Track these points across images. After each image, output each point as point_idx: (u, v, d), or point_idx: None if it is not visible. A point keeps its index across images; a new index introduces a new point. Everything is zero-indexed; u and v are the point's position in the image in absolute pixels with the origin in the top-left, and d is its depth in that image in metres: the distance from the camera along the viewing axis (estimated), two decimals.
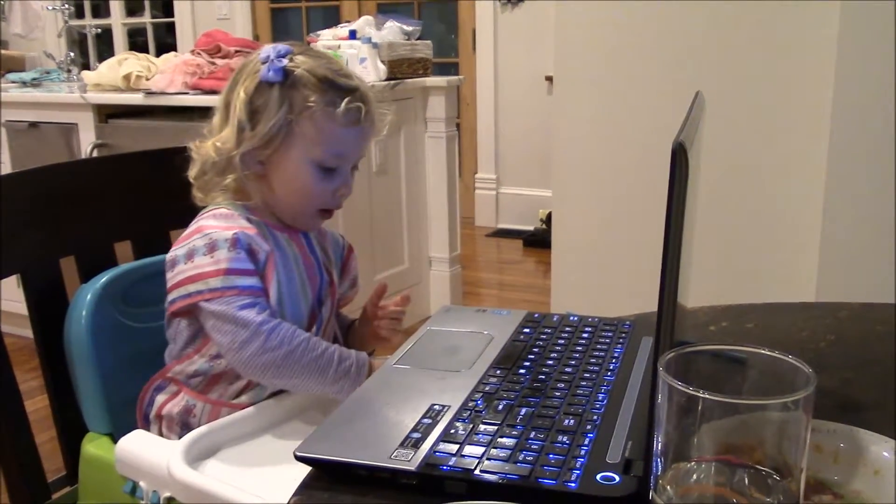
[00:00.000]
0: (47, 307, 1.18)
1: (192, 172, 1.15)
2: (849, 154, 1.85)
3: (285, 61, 1.10)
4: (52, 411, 1.21)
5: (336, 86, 1.11)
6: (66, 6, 3.94)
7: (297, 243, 1.17)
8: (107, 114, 2.85)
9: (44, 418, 1.24)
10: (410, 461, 0.65)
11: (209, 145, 1.13)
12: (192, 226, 1.11)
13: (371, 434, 0.72)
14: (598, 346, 0.89)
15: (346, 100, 1.09)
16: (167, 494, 0.99)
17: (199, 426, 1.05)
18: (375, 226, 2.94)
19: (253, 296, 1.06)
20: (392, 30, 3.04)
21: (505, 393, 0.77)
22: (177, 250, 1.09)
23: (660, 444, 0.49)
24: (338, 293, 1.24)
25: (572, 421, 0.71)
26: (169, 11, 5.42)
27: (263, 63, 1.10)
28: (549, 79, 4.23)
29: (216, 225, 1.09)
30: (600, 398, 0.76)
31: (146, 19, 5.54)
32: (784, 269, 2.01)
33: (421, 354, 0.90)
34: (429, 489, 0.64)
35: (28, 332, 1.21)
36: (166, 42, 5.45)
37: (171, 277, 1.09)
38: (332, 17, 5.09)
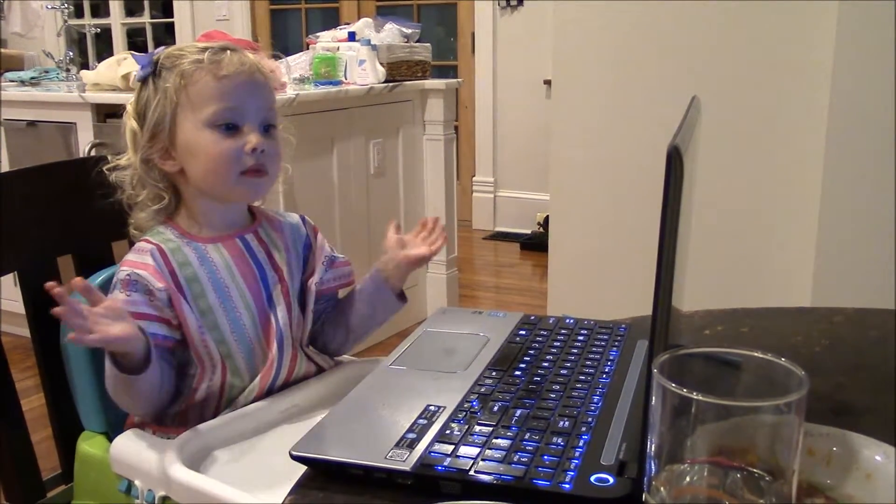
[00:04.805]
0: (44, 306, 1.18)
1: (123, 196, 1.14)
2: (845, 159, 1.85)
3: (153, 57, 1.12)
4: (47, 410, 1.21)
5: (202, 48, 1.10)
6: (66, 5, 3.94)
7: (232, 249, 1.13)
8: (105, 113, 2.84)
9: (39, 417, 1.24)
10: (406, 461, 0.65)
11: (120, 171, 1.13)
12: None
13: (367, 434, 0.72)
14: (594, 349, 0.90)
15: (209, 51, 1.09)
16: (162, 493, 0.99)
17: None
18: (372, 228, 2.94)
19: None
20: (391, 32, 3.05)
21: (500, 394, 0.78)
22: None
23: (653, 446, 0.49)
24: (314, 281, 1.20)
25: (567, 423, 0.71)
26: (168, 12, 5.42)
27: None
28: (548, 82, 4.23)
29: (126, 260, 1.09)
30: (595, 400, 0.77)
31: (145, 19, 5.54)
32: (780, 274, 2.02)
33: (417, 355, 0.90)
34: (424, 489, 0.65)
35: (24, 332, 1.21)
36: (165, 42, 5.44)
37: None
38: (331, 19, 5.09)
